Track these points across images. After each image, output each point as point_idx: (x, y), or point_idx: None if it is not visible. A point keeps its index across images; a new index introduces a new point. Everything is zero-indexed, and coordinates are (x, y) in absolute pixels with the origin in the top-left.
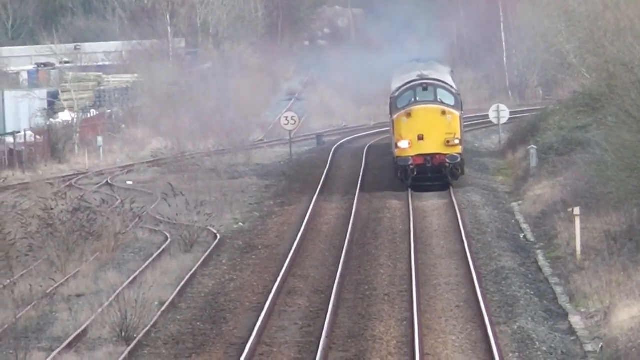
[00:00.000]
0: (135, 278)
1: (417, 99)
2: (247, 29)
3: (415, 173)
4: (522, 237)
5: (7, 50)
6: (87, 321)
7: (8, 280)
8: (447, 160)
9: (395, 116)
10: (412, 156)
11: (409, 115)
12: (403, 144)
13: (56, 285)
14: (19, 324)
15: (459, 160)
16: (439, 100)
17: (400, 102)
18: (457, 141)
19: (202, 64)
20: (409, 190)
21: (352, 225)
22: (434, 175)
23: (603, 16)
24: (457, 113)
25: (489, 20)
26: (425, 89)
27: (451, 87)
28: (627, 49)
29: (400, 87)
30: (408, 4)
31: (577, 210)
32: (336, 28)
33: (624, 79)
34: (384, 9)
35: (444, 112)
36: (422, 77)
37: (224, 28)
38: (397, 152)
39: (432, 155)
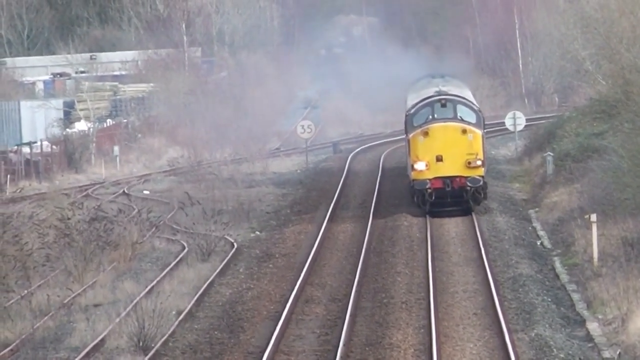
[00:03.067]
0: (152, 287)
1: (435, 116)
2: (262, 37)
3: (433, 197)
4: (539, 244)
5: (22, 60)
6: (105, 331)
7: (26, 291)
8: (468, 184)
9: (411, 135)
10: (429, 179)
11: (426, 134)
12: (420, 165)
13: (73, 295)
14: (37, 334)
15: (481, 183)
16: (459, 117)
17: (417, 119)
18: (479, 162)
19: (218, 73)
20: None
21: (369, 233)
22: (454, 199)
23: (619, 23)
24: (479, 132)
25: (505, 27)
26: (443, 105)
27: (472, 103)
28: None
29: (416, 104)
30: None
31: (593, 217)
32: (351, 36)
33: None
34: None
35: (464, 131)
36: (440, 93)
37: (239, 37)
38: (413, 175)
39: (452, 178)
